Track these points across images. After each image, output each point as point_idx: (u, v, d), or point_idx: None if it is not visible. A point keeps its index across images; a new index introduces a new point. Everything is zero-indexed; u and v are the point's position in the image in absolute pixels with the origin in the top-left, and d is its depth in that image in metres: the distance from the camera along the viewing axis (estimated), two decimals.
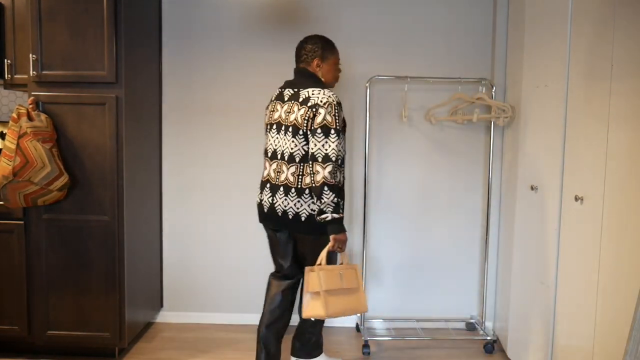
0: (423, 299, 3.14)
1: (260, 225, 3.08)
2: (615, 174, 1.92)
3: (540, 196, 2.48)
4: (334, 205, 2.14)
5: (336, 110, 2.17)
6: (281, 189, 2.24)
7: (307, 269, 2.19)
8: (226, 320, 3.15)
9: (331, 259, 2.27)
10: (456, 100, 2.93)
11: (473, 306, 3.14)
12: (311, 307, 2.16)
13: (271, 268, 2.84)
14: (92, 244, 2.50)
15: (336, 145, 2.15)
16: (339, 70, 2.41)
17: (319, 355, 2.51)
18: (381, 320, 3.11)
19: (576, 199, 2.17)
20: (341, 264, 2.26)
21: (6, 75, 2.65)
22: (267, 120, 2.38)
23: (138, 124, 2.68)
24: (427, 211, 3.10)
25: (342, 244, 2.19)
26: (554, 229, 2.38)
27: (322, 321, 2.46)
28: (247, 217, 3.09)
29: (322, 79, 2.32)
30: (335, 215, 2.14)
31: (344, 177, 2.31)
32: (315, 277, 2.13)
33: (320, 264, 2.18)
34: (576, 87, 2.21)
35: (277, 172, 2.27)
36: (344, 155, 2.23)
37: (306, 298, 2.18)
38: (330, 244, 2.18)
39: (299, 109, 2.21)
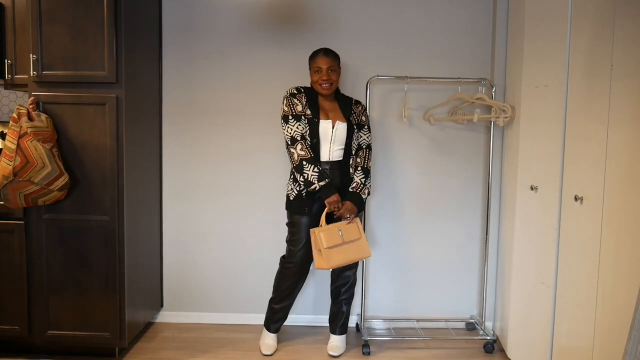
0: (423, 299, 3.15)
1: (260, 225, 3.09)
2: (615, 174, 1.92)
3: (540, 196, 2.48)
4: (304, 180, 2.51)
5: (285, 101, 2.60)
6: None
7: (310, 230, 2.53)
8: (226, 320, 3.15)
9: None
10: (456, 101, 2.93)
11: (473, 306, 3.14)
12: (317, 262, 2.51)
13: (272, 267, 2.85)
14: (92, 244, 2.51)
15: (284, 131, 2.57)
16: (320, 76, 2.57)
17: (266, 329, 2.82)
18: (381, 320, 3.11)
19: (576, 199, 2.17)
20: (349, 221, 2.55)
21: (6, 76, 2.66)
22: None
23: (138, 124, 2.68)
24: (427, 211, 3.10)
25: (335, 204, 2.51)
26: (554, 228, 2.38)
27: (275, 298, 2.75)
28: (247, 217, 3.09)
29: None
30: (322, 183, 2.50)
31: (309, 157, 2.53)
32: (316, 238, 2.49)
33: (321, 225, 2.52)
34: (576, 87, 2.21)
35: None
36: (294, 136, 2.54)
37: (314, 255, 2.53)
38: (326, 208, 2.52)
39: None
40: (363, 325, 2.94)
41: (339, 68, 2.65)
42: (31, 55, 2.43)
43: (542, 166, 2.46)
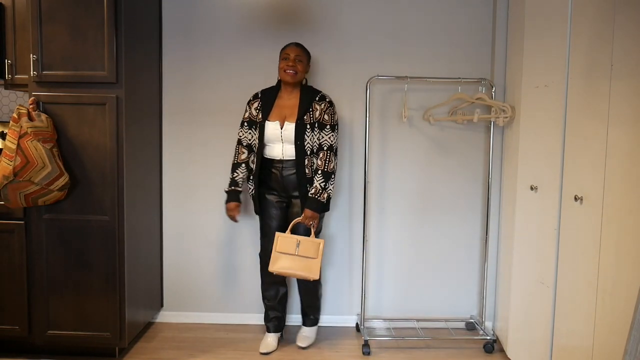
0: (423, 299, 3.15)
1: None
2: (615, 174, 1.92)
3: (540, 196, 2.48)
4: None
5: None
6: None
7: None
8: (226, 320, 3.15)
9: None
10: (456, 101, 2.93)
11: (473, 306, 3.14)
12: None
13: None
14: (92, 244, 2.51)
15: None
16: (287, 63, 2.61)
17: (266, 330, 2.87)
18: (381, 320, 3.11)
19: (576, 199, 2.17)
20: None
21: (7, 76, 2.66)
22: None
23: (138, 124, 2.68)
24: (427, 211, 3.10)
25: (231, 212, 2.71)
26: (554, 228, 2.38)
27: (263, 294, 2.83)
28: (247, 217, 3.09)
29: None
30: (225, 189, 2.72)
31: (255, 158, 2.69)
32: (275, 240, 2.59)
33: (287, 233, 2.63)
34: (576, 87, 2.21)
35: None
36: (239, 139, 2.75)
37: None
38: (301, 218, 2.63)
39: None
40: (363, 325, 2.94)
41: (308, 65, 2.70)
42: (31, 55, 2.43)
43: (542, 166, 2.46)
